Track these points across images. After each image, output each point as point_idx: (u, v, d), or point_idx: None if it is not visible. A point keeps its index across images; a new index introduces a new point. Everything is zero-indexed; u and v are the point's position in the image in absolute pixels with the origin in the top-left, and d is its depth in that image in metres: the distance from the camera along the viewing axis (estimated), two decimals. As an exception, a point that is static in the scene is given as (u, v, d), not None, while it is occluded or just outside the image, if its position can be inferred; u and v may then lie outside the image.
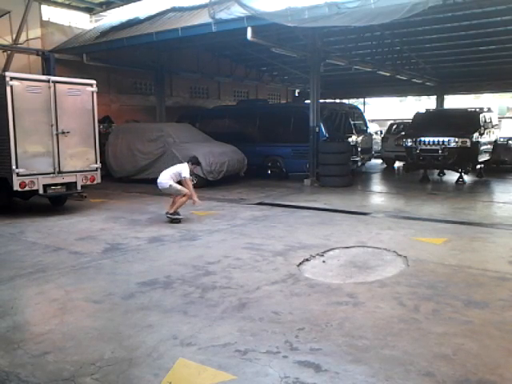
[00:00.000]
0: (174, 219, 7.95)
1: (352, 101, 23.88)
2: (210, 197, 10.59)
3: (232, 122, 15.34)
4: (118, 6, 15.56)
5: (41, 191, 8.45)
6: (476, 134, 12.46)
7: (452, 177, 13.29)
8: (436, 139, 12.45)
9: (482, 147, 12.98)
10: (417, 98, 29.60)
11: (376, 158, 18.32)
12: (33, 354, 3.33)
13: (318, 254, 5.84)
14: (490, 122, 14.06)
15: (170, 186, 7.97)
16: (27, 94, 8.22)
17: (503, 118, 23.48)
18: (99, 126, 10.92)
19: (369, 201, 10.76)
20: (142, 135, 13.00)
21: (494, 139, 14.42)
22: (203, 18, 11.33)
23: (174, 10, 13.48)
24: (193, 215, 8.56)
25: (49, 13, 14.91)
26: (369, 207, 9.55)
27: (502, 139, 15.44)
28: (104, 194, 10.84)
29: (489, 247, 6.26)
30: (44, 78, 9.17)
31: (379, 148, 18.15)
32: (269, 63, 19.43)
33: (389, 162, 17.63)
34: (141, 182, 12.65)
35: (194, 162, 8.31)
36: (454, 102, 25.43)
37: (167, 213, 8.04)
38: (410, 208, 9.07)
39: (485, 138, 13.17)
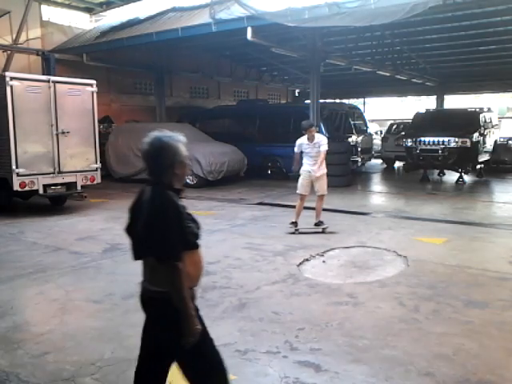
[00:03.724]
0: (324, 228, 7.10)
1: (352, 101, 23.86)
2: (210, 197, 10.60)
3: (232, 121, 15.33)
4: (118, 6, 15.57)
5: (41, 191, 8.45)
6: (476, 134, 12.46)
7: (452, 177, 13.28)
8: (436, 139, 12.45)
9: (482, 147, 12.98)
10: (417, 98, 29.57)
11: (376, 157, 18.32)
12: (33, 354, 3.33)
13: (318, 254, 5.84)
14: (490, 121, 14.06)
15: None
16: (27, 94, 8.22)
17: (503, 117, 23.46)
18: (99, 126, 10.91)
19: (369, 201, 10.75)
20: (142, 135, 12.85)
21: (494, 139, 14.43)
22: (203, 18, 11.32)
23: (174, 10, 13.47)
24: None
25: (49, 13, 14.92)
26: (369, 207, 9.55)
27: (501, 139, 15.44)
28: (104, 193, 10.84)
29: (489, 247, 6.26)
30: (44, 78, 9.18)
31: (379, 148, 18.14)
32: (269, 63, 19.41)
33: (389, 162, 17.62)
34: (141, 182, 12.58)
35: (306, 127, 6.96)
36: (454, 102, 25.40)
37: (320, 222, 7.19)
38: (410, 208, 9.07)
39: (485, 138, 13.17)
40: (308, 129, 6.90)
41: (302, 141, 7.04)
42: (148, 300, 2.20)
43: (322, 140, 6.92)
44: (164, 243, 1.98)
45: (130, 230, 2.21)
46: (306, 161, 7.06)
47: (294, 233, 7.04)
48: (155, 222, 2.00)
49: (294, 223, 7.13)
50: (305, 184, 7.10)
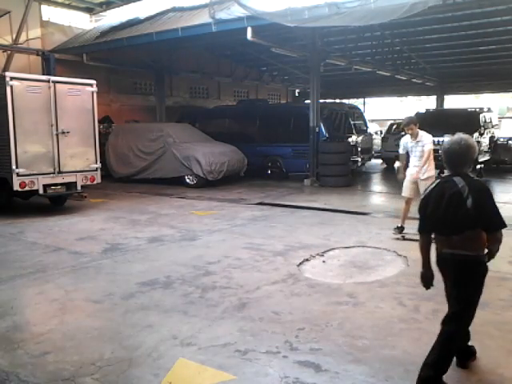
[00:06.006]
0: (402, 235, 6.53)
1: (352, 101, 23.86)
2: (210, 197, 10.59)
3: (232, 121, 15.33)
4: (118, 6, 15.57)
5: (41, 191, 8.45)
6: (476, 134, 12.46)
7: (452, 177, 13.25)
8: (436, 139, 12.43)
9: (482, 147, 12.98)
10: (417, 97, 29.56)
11: (376, 157, 18.32)
12: (33, 354, 3.33)
13: (318, 254, 5.84)
14: (490, 122, 14.05)
15: None
16: (27, 94, 8.22)
17: (503, 117, 23.46)
18: (99, 126, 10.91)
19: (369, 201, 10.75)
20: (142, 135, 13.01)
21: (494, 139, 14.42)
22: (203, 18, 11.33)
23: (174, 10, 13.48)
24: (193, 215, 8.56)
25: (49, 13, 14.92)
26: (369, 207, 9.54)
27: (502, 139, 15.44)
28: (104, 194, 10.84)
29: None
30: (44, 78, 9.18)
31: (379, 148, 18.13)
32: (269, 63, 19.42)
33: (389, 162, 17.61)
34: (141, 181, 12.65)
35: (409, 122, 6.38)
36: (454, 102, 25.40)
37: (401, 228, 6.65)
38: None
39: (485, 138, 13.17)
40: (406, 126, 6.40)
41: (406, 139, 6.53)
42: (460, 262, 2.88)
43: (425, 138, 6.37)
44: (496, 217, 2.71)
45: (434, 212, 2.89)
46: (411, 161, 6.58)
47: (399, 239, 6.50)
48: (485, 202, 2.71)
49: (400, 228, 6.65)
50: (409, 186, 6.58)
